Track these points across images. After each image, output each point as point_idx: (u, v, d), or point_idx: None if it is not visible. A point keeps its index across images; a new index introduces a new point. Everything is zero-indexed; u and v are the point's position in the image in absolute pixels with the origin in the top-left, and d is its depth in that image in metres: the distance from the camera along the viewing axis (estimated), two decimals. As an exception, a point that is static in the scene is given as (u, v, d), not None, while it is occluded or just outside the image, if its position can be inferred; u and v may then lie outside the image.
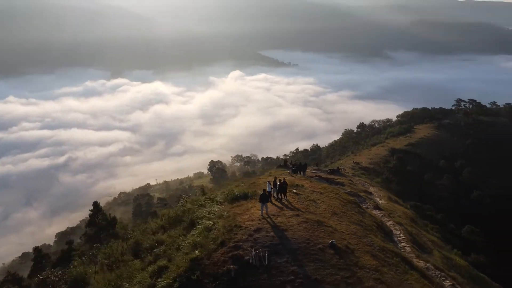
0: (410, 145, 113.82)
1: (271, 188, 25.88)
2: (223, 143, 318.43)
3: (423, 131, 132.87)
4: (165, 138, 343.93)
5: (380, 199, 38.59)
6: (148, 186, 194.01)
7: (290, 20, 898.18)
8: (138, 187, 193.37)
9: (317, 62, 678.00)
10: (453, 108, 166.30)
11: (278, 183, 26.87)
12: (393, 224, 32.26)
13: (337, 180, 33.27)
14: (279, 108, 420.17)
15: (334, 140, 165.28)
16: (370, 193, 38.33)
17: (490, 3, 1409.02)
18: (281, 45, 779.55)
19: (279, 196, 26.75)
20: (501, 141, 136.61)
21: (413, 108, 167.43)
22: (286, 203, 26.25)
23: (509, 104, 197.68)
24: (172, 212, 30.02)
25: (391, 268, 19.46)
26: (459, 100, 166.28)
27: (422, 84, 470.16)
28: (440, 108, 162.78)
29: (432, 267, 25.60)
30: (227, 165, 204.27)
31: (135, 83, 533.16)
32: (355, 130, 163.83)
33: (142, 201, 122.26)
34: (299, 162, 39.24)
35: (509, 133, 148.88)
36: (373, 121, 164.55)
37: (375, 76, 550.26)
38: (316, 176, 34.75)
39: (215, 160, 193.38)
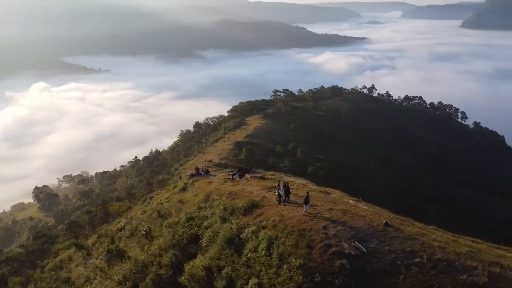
0: (248, 136, 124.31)
1: (282, 191, 27.65)
2: (41, 165, 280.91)
3: (254, 122, 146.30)
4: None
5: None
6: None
7: (94, 23, 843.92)
8: None
9: (130, 65, 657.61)
10: (272, 98, 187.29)
11: (284, 187, 28.34)
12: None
13: (266, 177, 35.77)
14: (100, 117, 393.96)
15: (175, 143, 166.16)
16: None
17: (276, 3, 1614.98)
18: (87, 50, 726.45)
19: (286, 198, 28.34)
20: (313, 122, 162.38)
21: (240, 102, 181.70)
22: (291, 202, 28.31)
23: (311, 90, 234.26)
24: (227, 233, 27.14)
25: (423, 229, 23.17)
26: (275, 91, 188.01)
27: (235, 79, 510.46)
28: (262, 99, 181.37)
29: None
30: (54, 189, 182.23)
31: None
32: (192, 129, 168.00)
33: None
34: (243, 166, 40.03)
35: (316, 114, 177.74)
36: (207, 118, 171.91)
37: (191, 76, 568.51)
38: (253, 176, 36.43)
39: (38, 186, 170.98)
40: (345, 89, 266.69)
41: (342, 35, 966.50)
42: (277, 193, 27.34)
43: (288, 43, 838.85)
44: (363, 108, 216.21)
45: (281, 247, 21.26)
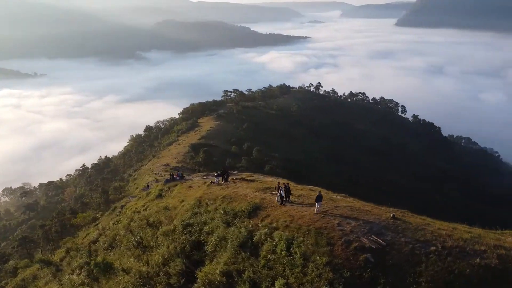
0: (202, 138, 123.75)
1: (284, 192, 27.92)
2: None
3: (207, 123, 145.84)
4: None
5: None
6: None
7: (28, 25, 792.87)
8: None
9: (69, 69, 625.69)
10: (223, 98, 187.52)
11: (284, 188, 28.47)
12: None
13: (248, 179, 35.87)
14: (39, 125, 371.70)
15: (125, 148, 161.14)
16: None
17: (218, 3, 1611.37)
18: (20, 53, 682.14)
19: (287, 199, 28.51)
20: (265, 121, 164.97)
21: (191, 104, 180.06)
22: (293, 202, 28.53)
23: (260, 89, 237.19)
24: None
25: (424, 220, 24.25)
26: (226, 91, 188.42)
27: (182, 80, 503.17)
28: (214, 100, 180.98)
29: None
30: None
31: None
32: (142, 133, 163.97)
33: None
34: (222, 169, 39.44)
35: (267, 113, 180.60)
36: (158, 121, 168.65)
37: (136, 78, 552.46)
38: (238, 179, 36.39)
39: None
40: (293, 87, 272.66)
41: (286, 34, 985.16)
42: (278, 194, 27.63)
43: (233, 43, 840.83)
44: (311, 105, 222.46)
45: (302, 246, 21.62)
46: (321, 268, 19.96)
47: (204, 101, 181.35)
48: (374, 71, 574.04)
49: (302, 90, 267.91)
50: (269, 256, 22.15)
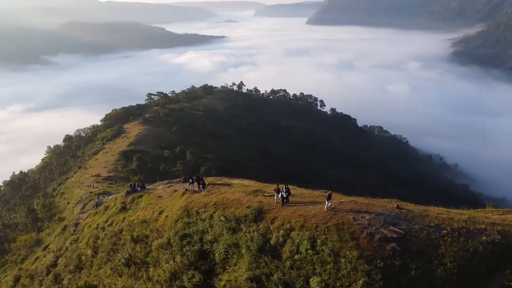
0: (131, 144, 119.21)
1: (286, 193, 27.86)
2: None
3: (134, 129, 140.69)
4: None
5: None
6: None
7: None
8: None
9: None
10: (147, 102, 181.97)
11: (284, 190, 28.19)
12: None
13: (219, 183, 35.00)
14: None
15: (43, 161, 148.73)
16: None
17: (129, 3, 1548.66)
18: None
19: (287, 199, 28.33)
20: (193, 123, 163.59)
21: (113, 110, 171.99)
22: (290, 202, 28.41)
23: (184, 90, 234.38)
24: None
25: (419, 206, 25.58)
26: (149, 94, 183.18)
27: (97, 85, 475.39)
28: (137, 104, 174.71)
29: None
30: None
31: None
32: (62, 144, 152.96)
33: None
34: (197, 175, 37.58)
35: (195, 114, 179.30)
36: (78, 130, 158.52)
37: (44, 84, 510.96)
38: (215, 184, 35.31)
39: None
40: (216, 87, 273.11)
41: (202, 34, 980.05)
42: (279, 195, 27.78)
43: (149, 44, 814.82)
44: (236, 104, 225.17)
45: (329, 243, 21.82)
46: (354, 261, 20.32)
47: (127, 105, 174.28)
48: (291, 68, 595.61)
49: (225, 90, 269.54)
50: (295, 256, 22.16)
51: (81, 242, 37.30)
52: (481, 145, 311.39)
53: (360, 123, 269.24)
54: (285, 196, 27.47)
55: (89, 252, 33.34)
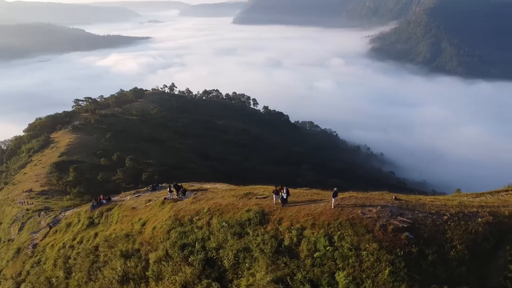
0: (63, 155, 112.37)
1: (286, 194, 28.06)
2: None
3: (63, 138, 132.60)
4: None
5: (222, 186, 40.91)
6: None
7: None
8: None
9: None
10: (74, 109, 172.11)
11: (285, 191, 28.53)
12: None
13: (192, 189, 34.06)
14: None
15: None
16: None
17: (41, 3, 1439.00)
18: None
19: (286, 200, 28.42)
20: (127, 128, 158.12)
21: (37, 119, 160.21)
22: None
23: (113, 95, 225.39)
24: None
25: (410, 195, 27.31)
26: (76, 100, 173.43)
27: (13, 92, 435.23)
28: (64, 111, 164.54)
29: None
30: None
31: None
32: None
33: None
34: (174, 183, 35.75)
35: (128, 119, 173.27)
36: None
37: None
38: (192, 190, 34.12)
39: None
40: (146, 90, 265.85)
41: (126, 35, 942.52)
42: (280, 196, 28.09)
43: (67, 47, 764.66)
44: (169, 106, 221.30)
45: (347, 238, 22.41)
46: (376, 253, 21.20)
47: (52, 113, 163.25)
48: (220, 68, 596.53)
49: (157, 92, 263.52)
50: (315, 254, 22.45)
51: (45, 264, 34.72)
52: (402, 134, 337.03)
53: (292, 119, 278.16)
54: (285, 197, 27.90)
55: (61, 274, 31.24)
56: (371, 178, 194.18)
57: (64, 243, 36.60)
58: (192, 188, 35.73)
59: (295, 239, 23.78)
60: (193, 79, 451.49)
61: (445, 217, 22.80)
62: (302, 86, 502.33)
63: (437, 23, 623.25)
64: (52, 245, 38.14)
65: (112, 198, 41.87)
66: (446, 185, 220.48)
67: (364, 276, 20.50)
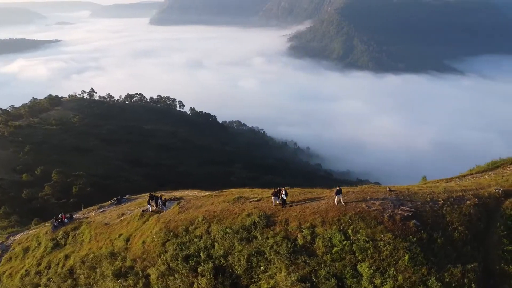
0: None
1: (285, 195, 28.21)
2: None
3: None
4: None
5: (199, 193, 38.88)
6: None
7: None
8: None
9: None
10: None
11: (284, 192, 28.74)
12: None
13: (178, 196, 32.19)
14: None
15: None
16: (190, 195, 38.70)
17: None
18: None
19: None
20: (48, 139, 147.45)
21: None
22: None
23: (26, 104, 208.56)
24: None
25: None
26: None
27: None
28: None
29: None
30: None
31: None
32: None
33: None
34: (150, 194, 33.00)
35: (47, 129, 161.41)
36: None
37: None
38: (172, 200, 32.12)
39: None
40: (63, 97, 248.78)
41: (32, 39, 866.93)
42: (280, 198, 28.13)
43: None
44: (91, 113, 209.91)
45: (361, 231, 23.12)
46: (392, 241, 22.13)
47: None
48: (140, 70, 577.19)
49: (75, 99, 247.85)
50: (333, 249, 22.91)
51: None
52: (325, 127, 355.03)
53: (219, 119, 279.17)
54: (285, 198, 28.22)
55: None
56: (301, 172, 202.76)
57: (27, 270, 33.64)
58: (169, 197, 34.76)
59: (308, 237, 24.17)
60: (112, 83, 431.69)
61: (440, 202, 24.79)
62: (226, 85, 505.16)
63: (347, 21, 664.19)
64: (10, 274, 34.79)
65: (74, 216, 39.07)
66: (368, 173, 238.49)
67: (385, 264, 21.52)
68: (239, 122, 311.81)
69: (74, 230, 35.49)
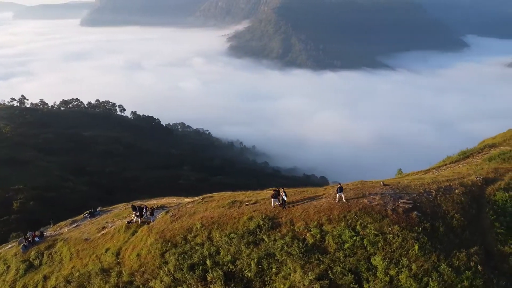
0: None
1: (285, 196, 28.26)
2: None
3: None
4: None
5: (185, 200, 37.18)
6: None
7: None
8: None
9: None
10: None
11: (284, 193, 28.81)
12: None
13: (161, 204, 30.35)
14: None
15: None
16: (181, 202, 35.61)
17: None
18: None
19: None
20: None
21: None
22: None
23: None
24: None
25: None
26: None
27: None
28: None
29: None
30: None
31: None
32: None
33: None
34: (132, 205, 30.65)
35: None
36: None
37: None
38: (155, 207, 30.19)
39: None
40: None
41: None
42: (280, 199, 28.10)
43: None
44: (24, 121, 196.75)
45: (370, 226, 23.84)
46: (400, 233, 23.08)
47: None
48: (74, 74, 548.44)
49: (3, 107, 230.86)
50: (344, 246, 23.45)
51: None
52: (268, 126, 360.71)
53: (163, 122, 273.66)
54: (285, 199, 28.29)
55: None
56: (250, 171, 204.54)
57: (1, 289, 30.65)
58: (155, 206, 33.57)
59: (318, 236, 24.59)
60: (43, 89, 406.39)
61: (433, 193, 26.37)
62: (167, 87, 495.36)
63: (285, 20, 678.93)
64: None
65: (45, 233, 36.16)
66: (314, 169, 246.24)
67: (397, 255, 22.49)
68: (183, 124, 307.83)
69: (49, 248, 33.37)
